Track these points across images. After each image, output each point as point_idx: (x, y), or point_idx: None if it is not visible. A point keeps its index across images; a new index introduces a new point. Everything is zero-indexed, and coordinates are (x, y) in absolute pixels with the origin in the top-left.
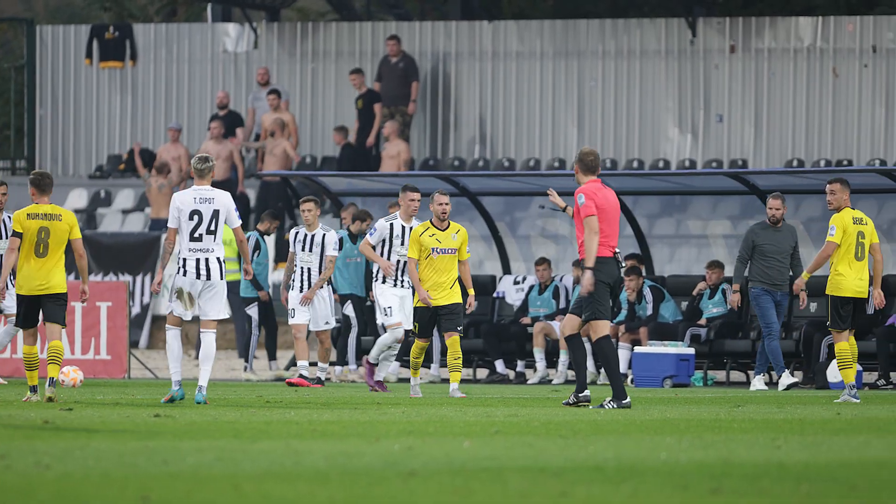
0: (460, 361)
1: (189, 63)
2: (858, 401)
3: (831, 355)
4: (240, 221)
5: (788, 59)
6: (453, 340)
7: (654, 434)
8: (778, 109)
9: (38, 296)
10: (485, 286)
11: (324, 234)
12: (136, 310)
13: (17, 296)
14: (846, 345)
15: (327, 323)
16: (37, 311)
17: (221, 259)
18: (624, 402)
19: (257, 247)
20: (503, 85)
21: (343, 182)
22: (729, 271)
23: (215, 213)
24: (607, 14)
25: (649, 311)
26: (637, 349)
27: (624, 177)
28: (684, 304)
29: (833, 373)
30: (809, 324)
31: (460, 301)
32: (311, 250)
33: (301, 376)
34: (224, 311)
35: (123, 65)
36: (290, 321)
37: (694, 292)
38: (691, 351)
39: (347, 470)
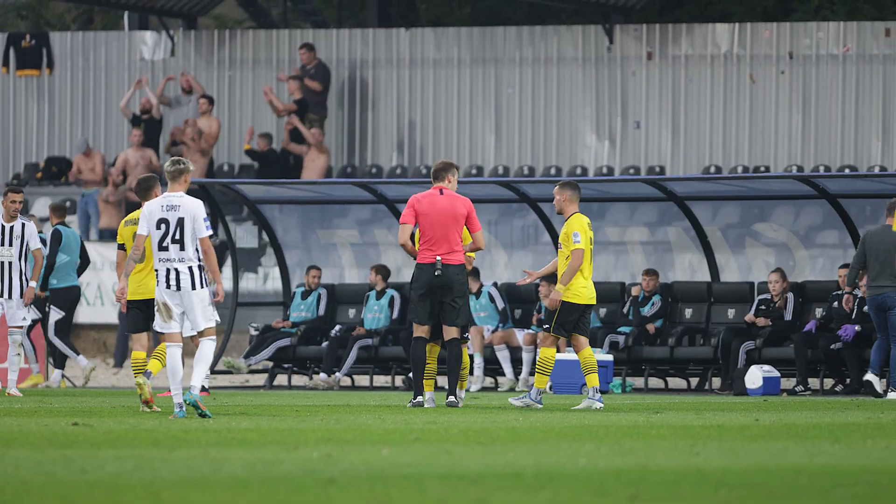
0: None
1: (106, 71)
2: (602, 405)
3: (750, 361)
4: (208, 232)
5: (705, 66)
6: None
7: (572, 441)
8: (695, 116)
9: (146, 300)
10: (406, 294)
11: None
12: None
13: (130, 301)
14: (554, 351)
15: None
16: (143, 317)
17: (196, 267)
18: (416, 400)
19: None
20: (421, 92)
21: (261, 190)
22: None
23: (180, 222)
24: (525, 21)
25: None
26: (557, 356)
27: (541, 184)
28: (602, 311)
29: (752, 379)
30: (727, 330)
31: None
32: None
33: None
34: (205, 321)
35: (40, 73)
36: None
37: (634, 292)
38: (610, 358)
39: (266, 477)
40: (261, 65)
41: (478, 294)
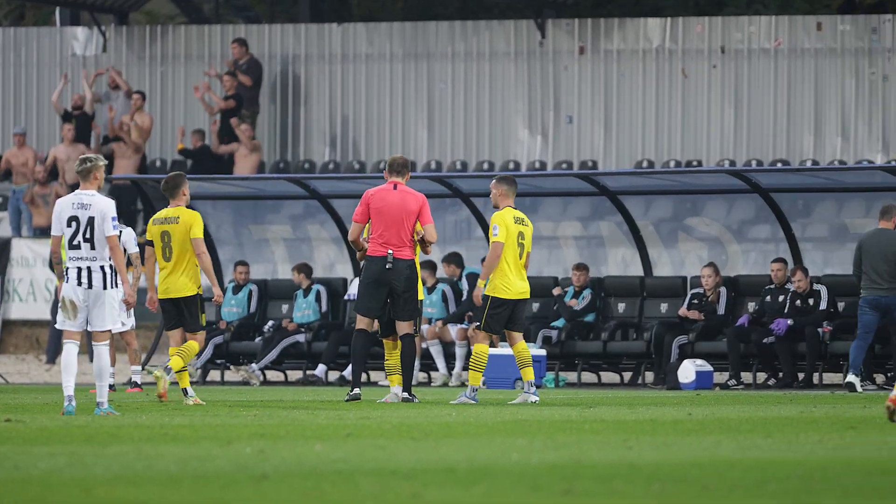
0: None
1: (38, 67)
2: (537, 399)
3: (683, 355)
4: (115, 231)
5: (637, 60)
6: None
7: (505, 435)
8: (627, 110)
9: (173, 299)
10: (336, 289)
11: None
12: None
13: (159, 300)
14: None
15: (123, 324)
16: (174, 314)
17: (108, 267)
18: (352, 392)
19: None
20: (353, 87)
21: (194, 186)
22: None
23: (90, 220)
24: (457, 16)
25: None
26: (491, 351)
27: (473, 178)
28: (535, 305)
29: (685, 373)
30: (660, 324)
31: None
32: None
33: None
34: (111, 321)
35: None
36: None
37: (555, 293)
38: (543, 352)
39: (199, 473)
40: (192, 60)
41: (431, 289)
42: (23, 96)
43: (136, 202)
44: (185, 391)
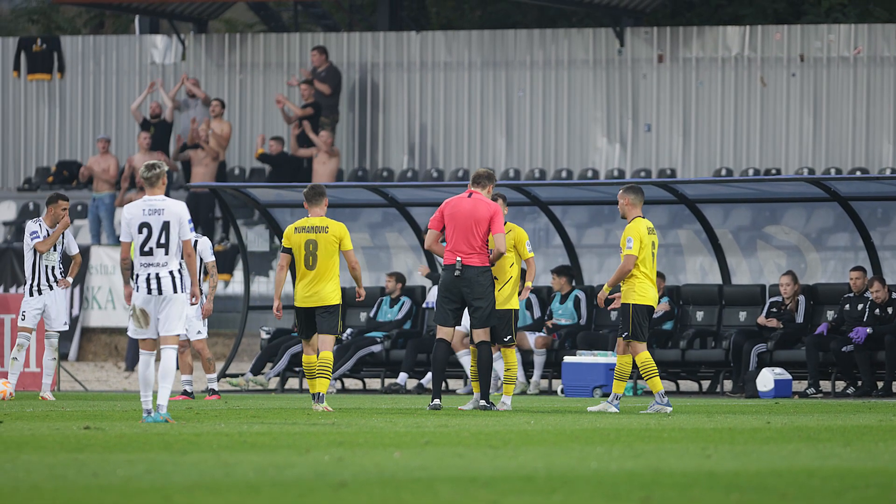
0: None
1: (117, 75)
2: (671, 409)
3: (761, 364)
4: (193, 235)
5: (716, 69)
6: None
7: (584, 444)
8: (706, 118)
9: (312, 307)
10: (415, 297)
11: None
12: None
13: (295, 308)
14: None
15: (199, 332)
16: (312, 322)
17: (177, 272)
18: (433, 402)
19: None
20: (431, 95)
21: (272, 193)
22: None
23: (165, 225)
24: (535, 24)
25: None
26: (567, 359)
27: (552, 186)
28: (612, 314)
29: (763, 381)
30: (739, 332)
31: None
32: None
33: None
34: (180, 326)
35: (51, 77)
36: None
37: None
38: None
39: (278, 481)
40: (271, 68)
41: None
42: (102, 104)
43: (213, 210)
44: (317, 396)
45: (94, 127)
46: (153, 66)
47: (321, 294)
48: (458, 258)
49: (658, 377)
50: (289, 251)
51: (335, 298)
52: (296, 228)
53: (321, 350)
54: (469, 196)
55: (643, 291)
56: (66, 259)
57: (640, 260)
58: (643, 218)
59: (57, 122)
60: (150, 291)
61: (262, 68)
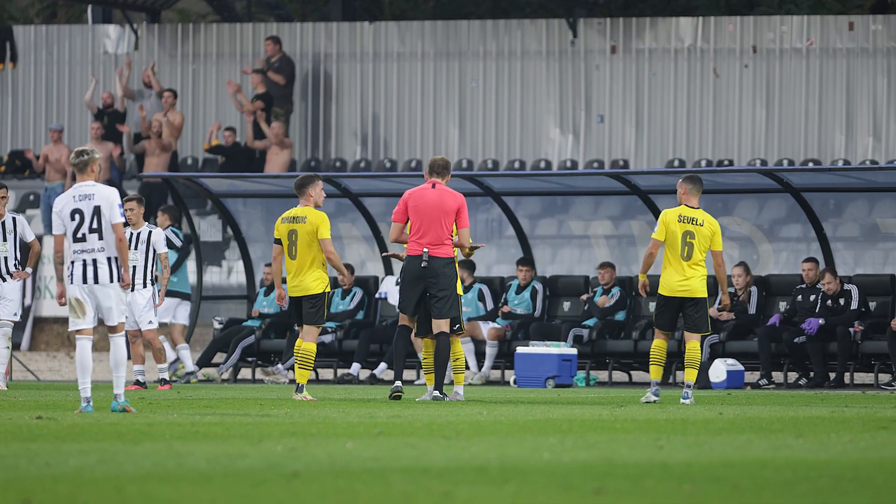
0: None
1: (70, 64)
2: (658, 399)
3: (714, 355)
4: (122, 219)
5: (669, 60)
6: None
7: (537, 434)
8: (659, 110)
9: (299, 297)
10: (368, 286)
11: (150, 232)
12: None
13: (289, 297)
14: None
15: (151, 322)
16: (301, 311)
17: (112, 258)
18: (395, 385)
19: None
20: (384, 86)
21: (225, 183)
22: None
23: (96, 210)
24: (488, 15)
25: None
26: (520, 349)
27: (505, 177)
28: (566, 305)
29: (716, 372)
30: None
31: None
32: (135, 248)
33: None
34: (120, 315)
35: (4, 66)
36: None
37: (583, 299)
38: (574, 351)
39: (230, 471)
40: (224, 58)
41: (467, 289)
42: (55, 94)
43: (166, 200)
44: (298, 387)
45: (47, 116)
46: (106, 56)
47: (304, 283)
48: (425, 249)
49: (655, 365)
50: (278, 242)
51: (318, 287)
52: (282, 219)
53: (304, 341)
54: (433, 187)
55: (663, 279)
56: (24, 247)
57: (667, 246)
58: (690, 207)
59: (9, 111)
60: (85, 280)
61: (216, 58)
